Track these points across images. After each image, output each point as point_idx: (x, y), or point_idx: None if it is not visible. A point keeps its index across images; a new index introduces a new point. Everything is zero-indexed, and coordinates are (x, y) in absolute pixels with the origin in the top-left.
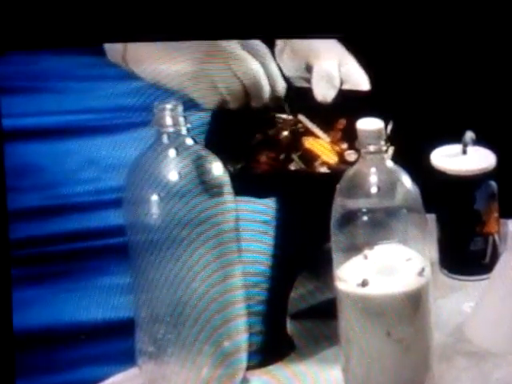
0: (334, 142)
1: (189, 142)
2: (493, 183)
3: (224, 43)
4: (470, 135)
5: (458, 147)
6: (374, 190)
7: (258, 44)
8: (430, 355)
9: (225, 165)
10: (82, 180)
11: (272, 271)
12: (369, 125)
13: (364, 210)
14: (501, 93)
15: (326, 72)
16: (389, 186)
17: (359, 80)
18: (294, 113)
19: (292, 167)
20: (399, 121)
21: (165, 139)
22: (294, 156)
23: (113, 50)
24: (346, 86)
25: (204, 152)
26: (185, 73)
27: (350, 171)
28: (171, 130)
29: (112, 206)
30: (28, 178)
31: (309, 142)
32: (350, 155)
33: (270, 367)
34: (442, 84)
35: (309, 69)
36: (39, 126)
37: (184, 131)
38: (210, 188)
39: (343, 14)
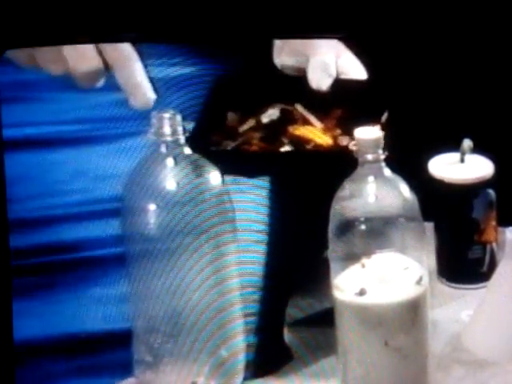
0: (327, 129)
1: (187, 151)
2: (491, 192)
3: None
4: (467, 143)
5: (456, 156)
6: (371, 198)
7: None
8: (427, 364)
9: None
10: (71, 191)
11: (269, 275)
12: (367, 134)
13: (362, 218)
14: (499, 101)
15: (321, 61)
16: (387, 195)
17: (356, 70)
18: (291, 102)
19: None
20: (397, 129)
21: (163, 148)
22: (285, 140)
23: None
24: (342, 76)
25: (202, 161)
26: None
27: (348, 180)
28: (169, 139)
29: (103, 217)
30: (17, 189)
31: (299, 130)
32: (343, 140)
33: (267, 377)
34: (439, 92)
35: (306, 61)
36: (27, 137)
37: (182, 140)
38: (208, 197)
39: (345, 14)
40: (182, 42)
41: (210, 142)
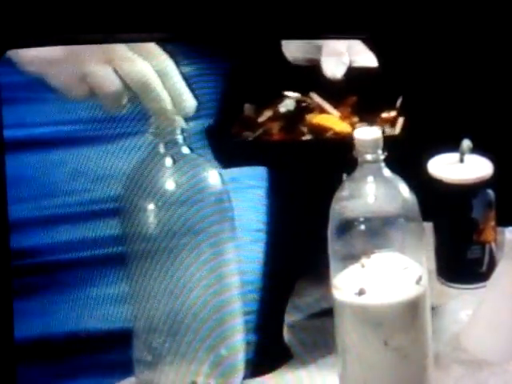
0: (344, 117)
1: (185, 150)
2: (490, 192)
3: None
4: (467, 144)
5: (455, 156)
6: (371, 198)
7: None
8: (427, 364)
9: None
10: (71, 191)
11: (268, 273)
12: (366, 134)
13: (361, 218)
14: (498, 101)
15: (334, 49)
16: (386, 195)
17: (367, 58)
18: (306, 91)
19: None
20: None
21: (162, 148)
22: (304, 129)
23: None
24: (354, 65)
25: (201, 161)
26: None
27: (348, 179)
28: (168, 138)
29: (102, 217)
30: (16, 190)
31: (316, 118)
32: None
33: (267, 376)
34: (439, 93)
35: (318, 50)
36: (28, 137)
37: (181, 140)
38: (207, 196)
39: (364, 15)
40: (189, 41)
41: (230, 134)
